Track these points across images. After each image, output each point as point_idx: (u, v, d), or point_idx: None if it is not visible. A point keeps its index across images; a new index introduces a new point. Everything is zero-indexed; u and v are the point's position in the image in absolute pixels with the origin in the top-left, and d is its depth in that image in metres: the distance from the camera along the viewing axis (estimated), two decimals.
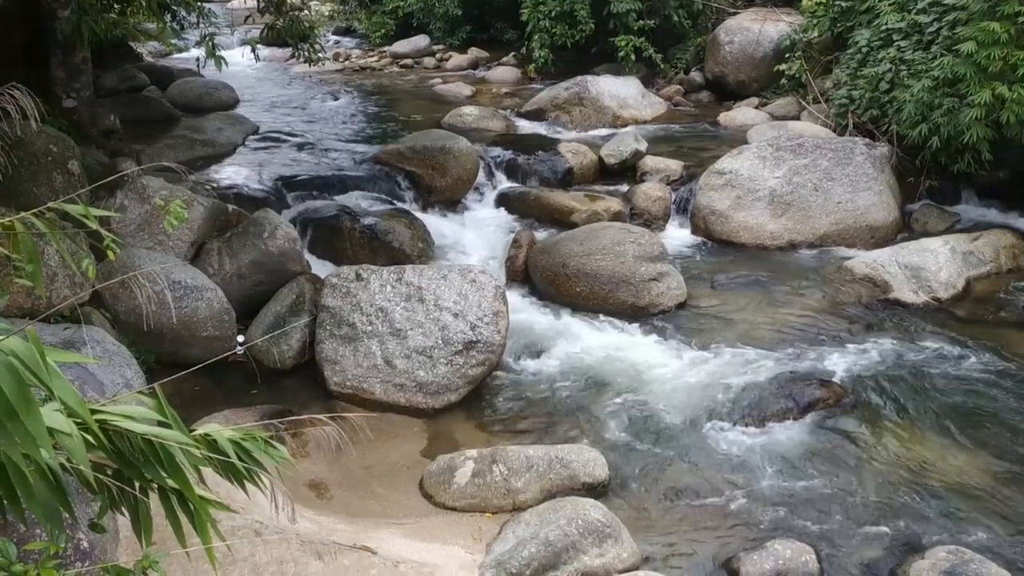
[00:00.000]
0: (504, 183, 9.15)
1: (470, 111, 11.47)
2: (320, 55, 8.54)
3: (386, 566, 3.78)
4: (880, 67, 9.00)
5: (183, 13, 9.55)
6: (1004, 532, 4.36)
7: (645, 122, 11.63)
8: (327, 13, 20.77)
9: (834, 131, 9.57)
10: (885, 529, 4.39)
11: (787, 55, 11.73)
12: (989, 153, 7.66)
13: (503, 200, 8.73)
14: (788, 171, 8.27)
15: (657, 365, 5.98)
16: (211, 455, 1.69)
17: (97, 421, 1.52)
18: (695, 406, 5.48)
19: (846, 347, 6.13)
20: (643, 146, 9.49)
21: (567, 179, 9.20)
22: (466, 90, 13.72)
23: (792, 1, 12.91)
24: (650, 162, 9.30)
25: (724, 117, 11.48)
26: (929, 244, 7.31)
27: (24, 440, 1.35)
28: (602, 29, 13.78)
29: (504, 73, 15.06)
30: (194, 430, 1.71)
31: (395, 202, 8.24)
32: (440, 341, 5.61)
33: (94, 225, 1.97)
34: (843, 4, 10.70)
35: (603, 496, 4.58)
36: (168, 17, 9.52)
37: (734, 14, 13.27)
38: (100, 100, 9.07)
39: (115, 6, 9.03)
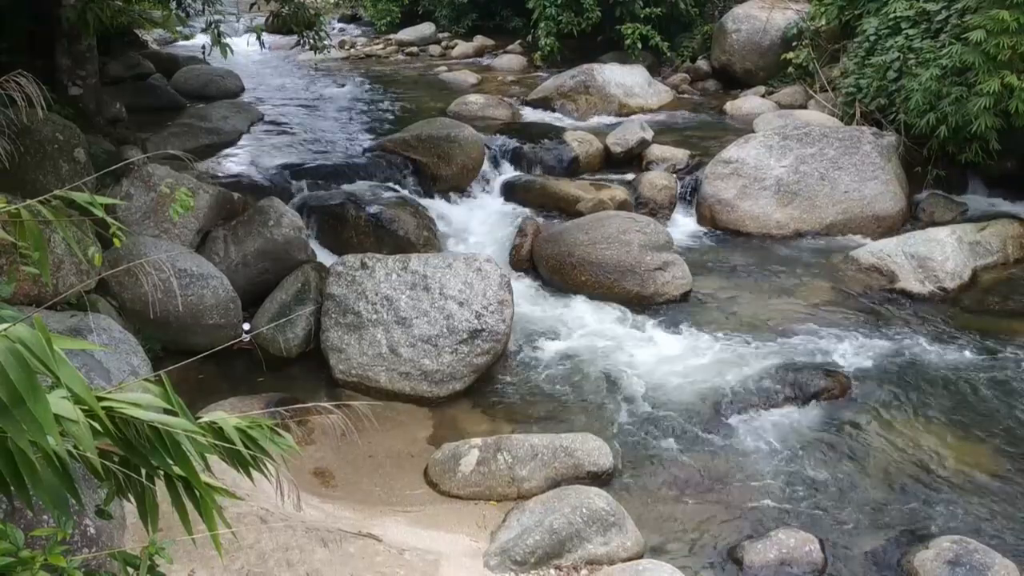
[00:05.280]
0: (510, 172, 9.12)
1: (475, 99, 11.44)
2: (325, 43, 8.50)
3: (391, 553, 3.80)
4: (888, 56, 8.95)
5: (188, 0, 9.52)
6: (1009, 522, 4.36)
7: (651, 111, 11.58)
8: (332, 0, 20.71)
9: (841, 120, 9.53)
10: (889, 519, 4.39)
11: (794, 43, 11.67)
12: (997, 142, 7.62)
13: (508, 189, 8.72)
14: (794, 160, 8.25)
15: (662, 354, 5.98)
16: (217, 443, 1.69)
17: (103, 408, 1.53)
18: (700, 395, 5.49)
19: (852, 337, 6.12)
20: (649, 135, 9.46)
21: (573, 168, 9.18)
22: (471, 78, 13.68)
23: None
24: (656, 151, 9.28)
25: (730, 106, 11.43)
26: (936, 234, 7.28)
27: (31, 427, 1.35)
28: (608, 17, 13.73)
29: (510, 61, 15.00)
30: (200, 418, 1.72)
31: (400, 190, 8.23)
32: (445, 330, 5.61)
33: (100, 213, 1.97)
34: None
35: (608, 485, 4.59)
36: (173, 4, 9.50)
37: (741, 2, 13.19)
38: (106, 88, 9.07)
39: None
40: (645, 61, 13.30)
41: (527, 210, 8.32)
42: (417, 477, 4.78)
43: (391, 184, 8.31)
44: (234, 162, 8.74)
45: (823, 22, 11.30)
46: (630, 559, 3.97)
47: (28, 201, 1.82)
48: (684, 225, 8.32)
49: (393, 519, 4.28)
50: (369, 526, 4.09)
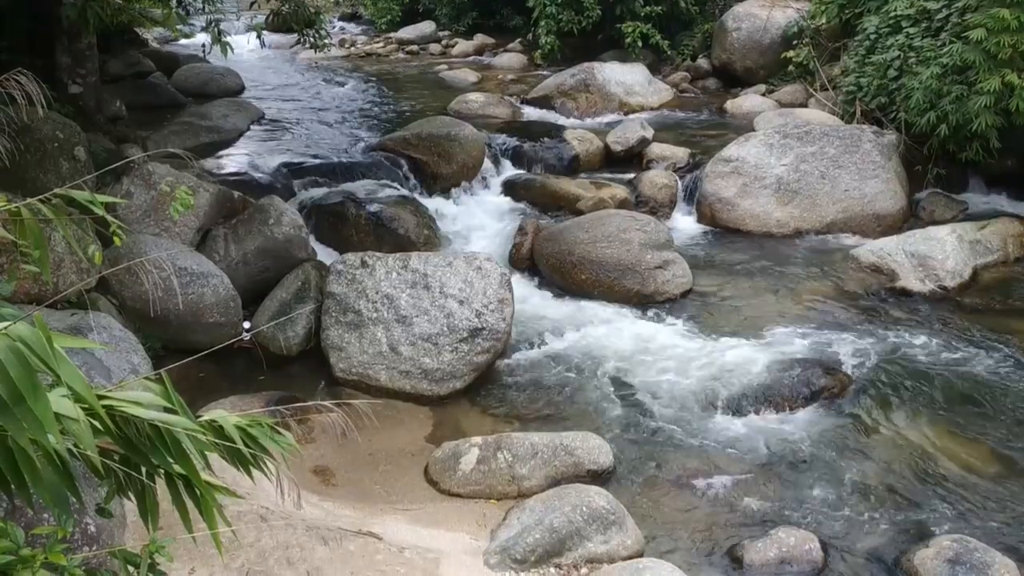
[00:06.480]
0: (510, 170, 9.13)
1: (476, 98, 11.45)
2: (326, 41, 8.51)
3: (391, 552, 3.80)
4: (888, 54, 8.95)
5: None
6: (1009, 521, 4.36)
7: (651, 109, 11.60)
8: None
9: (841, 119, 9.52)
10: (889, 517, 4.39)
11: (795, 42, 11.67)
12: (997, 141, 7.62)
13: (509, 187, 8.71)
14: (795, 159, 8.24)
15: (662, 353, 5.98)
16: (217, 441, 1.69)
17: (104, 407, 1.53)
18: (700, 394, 5.48)
19: (852, 336, 6.11)
20: (649, 133, 9.46)
21: (573, 166, 9.19)
22: (472, 76, 13.68)
23: None
24: (656, 149, 9.28)
25: (731, 104, 11.43)
26: (936, 232, 7.27)
27: (31, 425, 1.35)
28: (609, 15, 13.74)
29: (510, 60, 15.01)
30: (200, 416, 1.72)
31: (400, 189, 8.24)
32: (445, 328, 5.61)
33: (100, 211, 1.97)
34: None
35: (608, 483, 4.59)
36: (174, 2, 9.49)
37: (741, 0, 13.19)
38: (106, 86, 9.06)
39: None
40: (645, 59, 13.31)
41: (527, 208, 8.32)
42: (417, 475, 4.78)
43: (391, 182, 8.32)
44: (234, 160, 8.74)
45: (823, 20, 11.30)
46: (630, 557, 3.97)
47: (28, 199, 1.82)
48: (684, 224, 8.32)
49: (393, 517, 4.29)
50: (369, 524, 4.09)
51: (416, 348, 5.59)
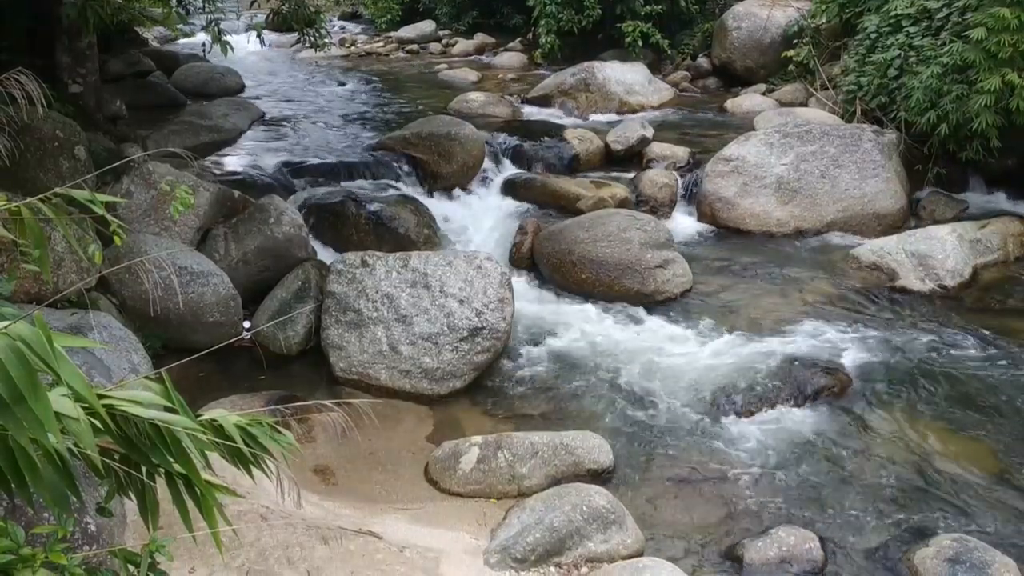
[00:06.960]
0: (510, 169, 9.12)
1: (476, 97, 11.44)
2: (326, 41, 8.51)
3: (391, 551, 3.80)
4: (889, 53, 8.94)
5: None
6: (1009, 520, 4.36)
7: (652, 108, 11.59)
8: None
9: (842, 118, 9.53)
10: (890, 517, 4.39)
11: (795, 41, 11.67)
12: (998, 140, 7.61)
13: (509, 186, 8.71)
14: (795, 158, 8.24)
15: (662, 352, 5.98)
16: (217, 440, 1.69)
17: (104, 406, 1.53)
18: (700, 393, 5.49)
19: (852, 335, 6.12)
20: (649, 132, 9.46)
21: (573, 165, 9.18)
22: (472, 76, 13.68)
23: None
24: (656, 148, 9.28)
25: (731, 103, 11.43)
26: (936, 232, 7.27)
27: (31, 424, 1.35)
28: (609, 15, 13.75)
29: (510, 59, 15.01)
30: (200, 415, 1.72)
31: (401, 188, 8.23)
32: (445, 327, 5.61)
33: (100, 211, 1.97)
34: None
35: (608, 482, 4.59)
36: (174, 2, 9.50)
37: None
38: (106, 85, 9.06)
39: None
40: (646, 59, 13.31)
41: (528, 208, 8.32)
42: (417, 475, 4.78)
43: (392, 182, 8.32)
44: (234, 160, 8.74)
45: (824, 20, 11.30)
46: (630, 557, 3.97)
47: (29, 199, 1.82)
48: (684, 223, 8.31)
49: (393, 517, 4.29)
50: (369, 524, 4.09)
51: (416, 347, 5.59)
